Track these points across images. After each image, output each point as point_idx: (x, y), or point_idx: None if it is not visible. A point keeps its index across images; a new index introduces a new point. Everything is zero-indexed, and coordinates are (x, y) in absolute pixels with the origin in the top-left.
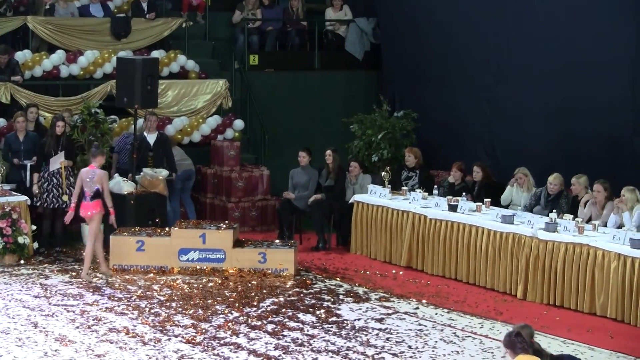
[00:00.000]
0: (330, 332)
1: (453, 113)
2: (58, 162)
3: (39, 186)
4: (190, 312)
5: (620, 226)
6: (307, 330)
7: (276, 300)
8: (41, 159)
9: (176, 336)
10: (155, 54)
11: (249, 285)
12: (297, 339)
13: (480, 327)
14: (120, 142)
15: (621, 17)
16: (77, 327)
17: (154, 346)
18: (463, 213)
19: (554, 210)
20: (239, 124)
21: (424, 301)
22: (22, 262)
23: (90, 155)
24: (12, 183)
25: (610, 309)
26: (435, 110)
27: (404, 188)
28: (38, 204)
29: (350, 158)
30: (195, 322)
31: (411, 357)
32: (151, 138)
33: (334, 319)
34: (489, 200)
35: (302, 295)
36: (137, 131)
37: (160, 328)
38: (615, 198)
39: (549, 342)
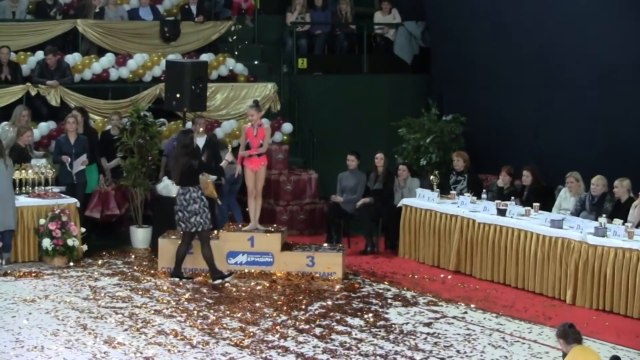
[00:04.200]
0: (378, 336)
1: (501, 117)
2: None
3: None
4: (239, 315)
5: None
6: (355, 334)
7: (324, 303)
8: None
9: (224, 339)
10: (204, 57)
11: (297, 288)
12: (345, 342)
13: (529, 332)
14: (169, 146)
15: None
16: (126, 330)
17: (202, 349)
18: (512, 217)
19: (603, 215)
20: (287, 127)
21: (472, 305)
22: (71, 264)
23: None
24: (62, 185)
25: None
26: (483, 114)
27: (453, 192)
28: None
29: (398, 161)
30: (244, 325)
31: None
32: (200, 141)
33: (381, 322)
34: (538, 204)
35: (350, 298)
36: None
37: (209, 331)
38: None
39: (598, 348)
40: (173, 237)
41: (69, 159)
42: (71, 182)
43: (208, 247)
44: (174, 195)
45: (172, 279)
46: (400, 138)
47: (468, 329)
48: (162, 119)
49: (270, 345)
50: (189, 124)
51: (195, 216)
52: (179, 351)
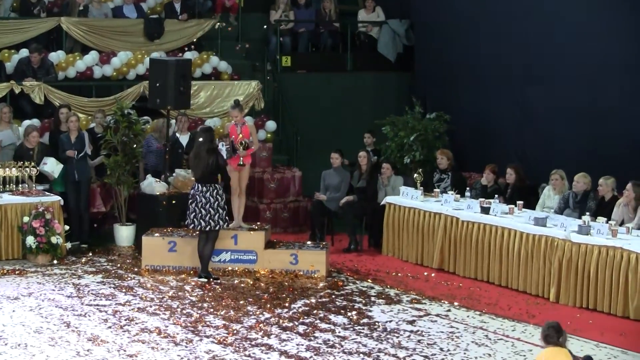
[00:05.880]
0: (361, 334)
1: (485, 115)
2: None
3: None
4: (222, 312)
5: None
6: (339, 332)
7: (308, 301)
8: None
9: (208, 337)
10: (188, 55)
11: (281, 286)
12: (329, 340)
13: (513, 330)
14: (144, 147)
15: None
16: (110, 327)
17: (186, 346)
18: (495, 215)
19: (587, 213)
20: (271, 125)
21: (455, 303)
22: (55, 262)
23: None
24: (65, 184)
25: None
26: (467, 112)
27: (436, 190)
28: None
29: (382, 160)
30: (227, 323)
31: (442, 359)
32: (183, 139)
33: (365, 320)
34: (522, 202)
35: (333, 296)
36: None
37: (192, 329)
38: None
39: (581, 346)
40: (157, 234)
41: (76, 152)
42: (73, 179)
43: (212, 246)
44: (158, 194)
45: (201, 280)
46: (384, 136)
47: (451, 327)
48: (146, 117)
49: (253, 342)
50: (172, 122)
51: (218, 213)
52: (163, 349)
